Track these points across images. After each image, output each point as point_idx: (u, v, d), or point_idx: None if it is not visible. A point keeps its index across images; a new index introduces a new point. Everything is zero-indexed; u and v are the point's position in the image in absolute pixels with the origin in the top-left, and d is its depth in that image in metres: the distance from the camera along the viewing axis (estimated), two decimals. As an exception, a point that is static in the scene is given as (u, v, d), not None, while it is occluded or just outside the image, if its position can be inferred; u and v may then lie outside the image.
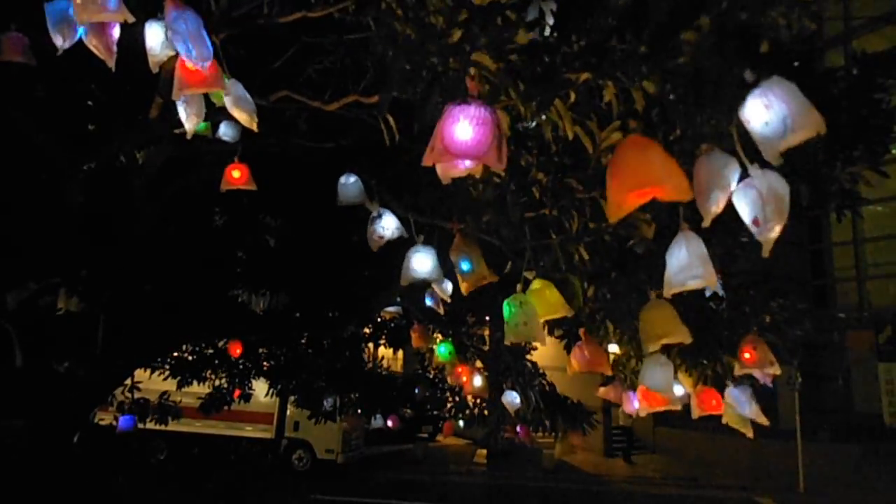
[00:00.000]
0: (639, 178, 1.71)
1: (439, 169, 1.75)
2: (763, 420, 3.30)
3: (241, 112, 2.24)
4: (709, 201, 1.76)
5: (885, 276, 15.97)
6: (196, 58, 1.75)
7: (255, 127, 2.29)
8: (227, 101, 2.22)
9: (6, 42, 2.68)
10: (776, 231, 1.69)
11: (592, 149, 2.04)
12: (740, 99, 1.61)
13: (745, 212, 1.73)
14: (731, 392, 3.33)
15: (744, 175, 1.74)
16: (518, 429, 6.02)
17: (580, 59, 1.84)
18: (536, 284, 2.58)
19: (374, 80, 2.70)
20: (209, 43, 1.78)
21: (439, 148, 1.58)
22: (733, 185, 1.74)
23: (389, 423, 9.62)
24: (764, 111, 1.55)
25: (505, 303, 2.51)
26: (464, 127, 1.56)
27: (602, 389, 4.17)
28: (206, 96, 2.24)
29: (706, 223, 1.80)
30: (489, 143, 1.56)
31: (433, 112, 1.92)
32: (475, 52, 1.76)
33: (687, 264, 1.98)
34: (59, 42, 1.87)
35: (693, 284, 2.01)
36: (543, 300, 2.55)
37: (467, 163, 1.69)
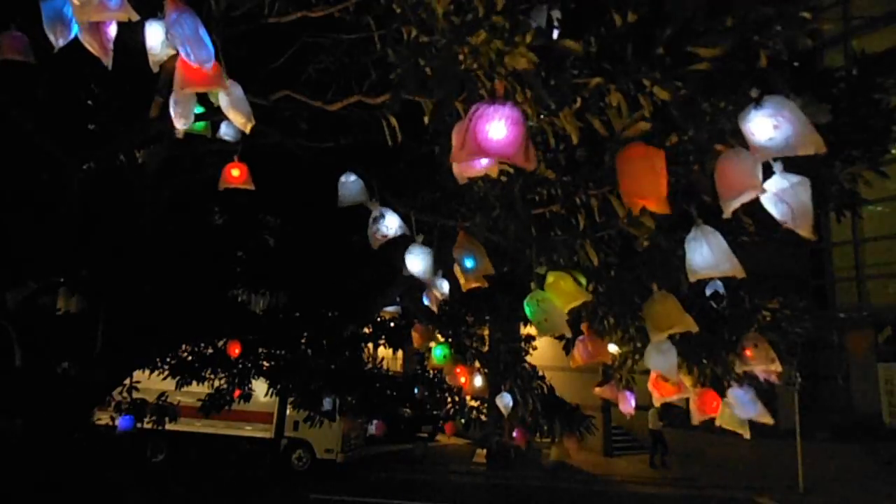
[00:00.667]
0: (631, 189, 1.88)
1: (456, 169, 1.77)
2: (768, 419, 3.25)
3: (237, 114, 2.21)
4: (736, 198, 1.84)
5: (885, 276, 15.96)
6: (195, 61, 1.74)
7: (248, 130, 2.28)
8: (223, 102, 2.19)
9: (6, 41, 2.68)
10: (810, 230, 1.85)
11: (610, 137, 2.07)
12: (744, 107, 1.68)
13: (779, 216, 1.86)
14: (734, 392, 3.30)
15: (766, 173, 1.83)
16: (514, 433, 6.02)
17: (590, 64, 1.85)
18: (551, 278, 2.62)
19: (377, 80, 2.70)
20: (209, 44, 1.77)
21: (471, 146, 1.60)
22: (760, 183, 1.82)
23: (375, 430, 9.56)
24: (771, 130, 1.64)
25: (525, 303, 2.56)
26: (498, 126, 1.59)
27: (598, 389, 4.16)
28: (204, 97, 2.23)
29: (726, 215, 1.88)
30: (521, 143, 1.59)
31: (449, 112, 1.93)
32: (507, 54, 1.76)
33: (713, 261, 2.10)
34: (54, 40, 1.85)
35: (719, 275, 2.16)
36: (560, 291, 2.59)
37: (484, 162, 1.71)
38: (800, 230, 1.83)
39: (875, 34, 15.30)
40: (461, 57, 1.84)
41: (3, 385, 4.56)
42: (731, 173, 1.85)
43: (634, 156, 1.90)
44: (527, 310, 2.54)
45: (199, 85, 1.88)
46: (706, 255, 2.10)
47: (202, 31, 1.75)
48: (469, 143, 1.60)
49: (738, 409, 3.28)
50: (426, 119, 2.11)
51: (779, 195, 1.83)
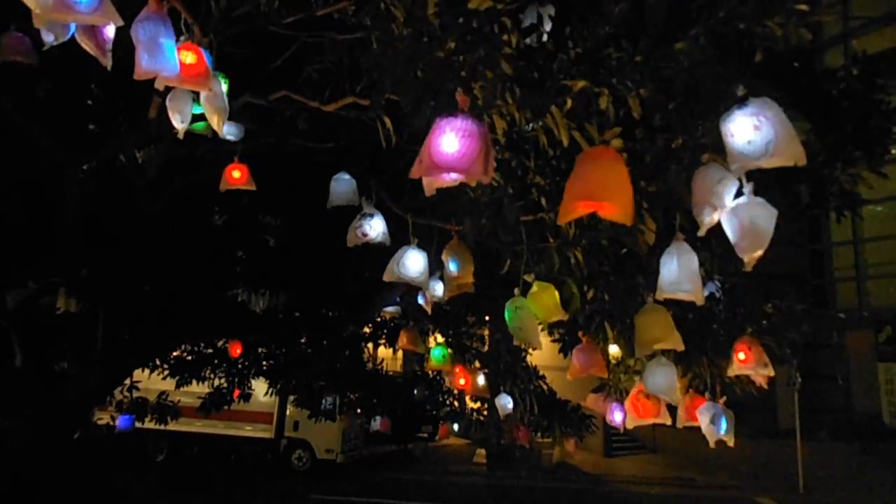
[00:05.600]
0: (588, 190, 1.72)
1: (424, 180, 1.73)
2: (730, 440, 3.26)
3: (211, 109, 2.18)
4: (702, 214, 1.79)
5: (885, 276, 15.95)
6: (144, 66, 1.68)
7: (220, 128, 2.25)
8: (202, 97, 2.17)
9: (7, 42, 2.68)
10: (754, 257, 1.73)
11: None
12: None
13: (730, 234, 1.78)
14: (704, 406, 3.32)
15: (740, 191, 1.76)
16: (518, 431, 6.02)
17: (576, 67, 1.84)
18: (535, 288, 2.59)
19: (370, 81, 2.70)
20: (167, 52, 1.72)
21: (427, 162, 1.55)
22: (727, 201, 1.75)
23: (379, 427, 9.61)
24: (752, 131, 1.54)
25: (506, 307, 2.54)
26: (450, 139, 1.53)
27: (591, 397, 4.12)
28: (199, 97, 2.22)
29: (701, 233, 1.82)
30: (474, 155, 1.53)
31: (423, 118, 1.92)
32: (467, 65, 1.75)
33: (676, 278, 2.04)
34: (49, 39, 1.81)
35: (681, 297, 2.09)
36: (540, 304, 2.56)
37: (453, 175, 1.66)
38: (743, 253, 1.73)
39: (875, 34, 15.27)
40: (422, 67, 1.83)
41: (4, 385, 4.56)
42: (698, 189, 1.80)
43: (600, 156, 1.76)
44: (506, 314, 2.53)
45: (181, 82, 1.86)
46: (673, 272, 2.04)
47: (164, 39, 1.70)
48: (425, 158, 1.56)
49: (703, 424, 3.29)
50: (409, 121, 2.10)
51: (735, 211, 1.74)
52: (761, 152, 1.53)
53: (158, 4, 1.70)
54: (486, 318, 6.47)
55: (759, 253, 1.72)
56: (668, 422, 3.32)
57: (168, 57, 1.72)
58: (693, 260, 2.06)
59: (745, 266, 1.77)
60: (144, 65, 1.68)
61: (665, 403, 3.19)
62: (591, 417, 5.93)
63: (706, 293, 3.33)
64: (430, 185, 1.72)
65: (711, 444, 3.34)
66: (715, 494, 13.07)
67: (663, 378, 2.81)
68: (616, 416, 3.88)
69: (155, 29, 1.68)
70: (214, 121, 2.20)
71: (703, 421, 3.29)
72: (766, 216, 1.72)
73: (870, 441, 13.23)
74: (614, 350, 3.78)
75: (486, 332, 6.57)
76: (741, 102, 1.57)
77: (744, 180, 1.74)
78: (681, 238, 2.09)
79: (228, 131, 3.14)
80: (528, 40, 1.84)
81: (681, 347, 2.50)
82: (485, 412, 7.48)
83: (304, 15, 2.63)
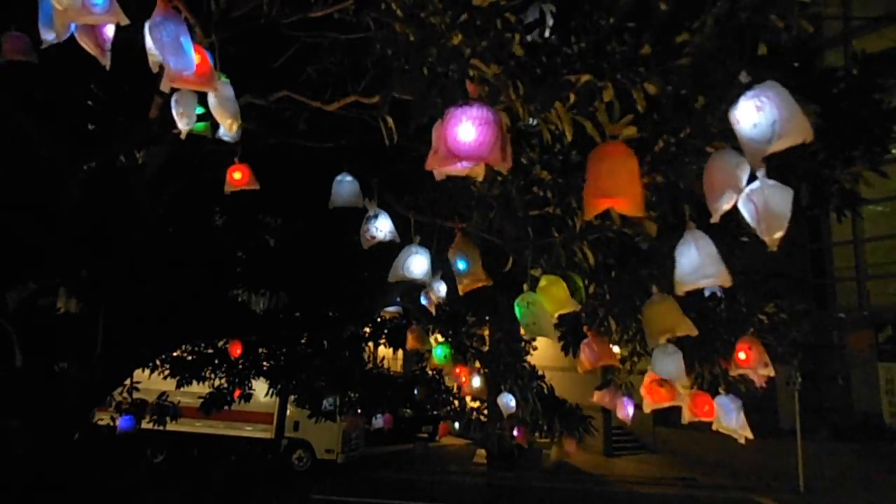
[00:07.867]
0: (601, 187, 1.77)
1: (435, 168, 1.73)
2: (748, 433, 3.22)
3: (224, 114, 2.20)
4: (720, 200, 1.78)
5: (885, 276, 15.95)
6: (173, 68, 1.69)
7: (233, 130, 2.26)
8: (211, 101, 2.19)
9: (7, 41, 2.68)
10: (775, 238, 1.73)
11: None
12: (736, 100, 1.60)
13: (748, 218, 1.77)
14: (720, 401, 3.31)
15: (752, 176, 1.75)
16: (515, 431, 6.02)
17: (580, 61, 1.84)
18: (544, 281, 2.60)
19: (373, 80, 2.70)
20: (188, 52, 1.73)
21: (443, 152, 1.56)
22: (744, 185, 1.76)
23: (382, 424, 9.66)
24: (755, 113, 1.54)
25: (515, 303, 2.54)
26: (466, 128, 1.54)
27: (597, 394, 4.12)
28: (204, 97, 2.23)
29: (715, 219, 1.81)
30: (493, 142, 1.53)
31: (430, 112, 1.92)
32: (474, 57, 1.75)
33: (699, 264, 2.01)
34: (49, 38, 1.81)
35: (706, 283, 2.05)
36: (551, 296, 2.56)
37: (464, 162, 1.67)
38: (764, 235, 1.73)
39: (875, 34, 15.27)
40: (430, 59, 1.83)
41: (4, 385, 4.56)
42: (715, 174, 1.80)
43: (610, 154, 1.80)
44: (517, 311, 2.53)
45: (187, 83, 1.86)
46: (693, 259, 2.01)
47: (184, 39, 1.71)
48: (440, 148, 1.57)
49: (721, 417, 3.28)
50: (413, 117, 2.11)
51: (749, 195, 1.74)
52: (768, 134, 1.52)
53: (167, 4, 1.70)
54: (486, 317, 6.47)
55: (781, 234, 1.72)
56: (683, 403, 3.31)
57: (190, 56, 1.73)
58: (710, 244, 2.03)
59: (769, 248, 1.76)
60: (173, 67, 1.69)
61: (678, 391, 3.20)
62: (590, 418, 5.94)
63: (707, 293, 3.34)
64: (441, 171, 1.72)
65: (742, 441, 3.29)
66: (715, 494, 13.07)
67: (672, 364, 2.82)
68: (629, 410, 3.90)
69: (175, 29, 1.69)
70: (228, 124, 2.23)
71: (722, 415, 3.27)
72: (782, 197, 1.72)
73: (870, 441, 13.24)
74: (615, 349, 3.78)
75: (486, 332, 6.57)
76: (745, 89, 1.56)
77: (757, 166, 1.73)
78: (692, 226, 2.06)
79: (225, 132, 3.14)
80: (531, 36, 1.85)
81: (694, 332, 2.49)
82: (485, 412, 7.48)
83: (305, 15, 2.63)
